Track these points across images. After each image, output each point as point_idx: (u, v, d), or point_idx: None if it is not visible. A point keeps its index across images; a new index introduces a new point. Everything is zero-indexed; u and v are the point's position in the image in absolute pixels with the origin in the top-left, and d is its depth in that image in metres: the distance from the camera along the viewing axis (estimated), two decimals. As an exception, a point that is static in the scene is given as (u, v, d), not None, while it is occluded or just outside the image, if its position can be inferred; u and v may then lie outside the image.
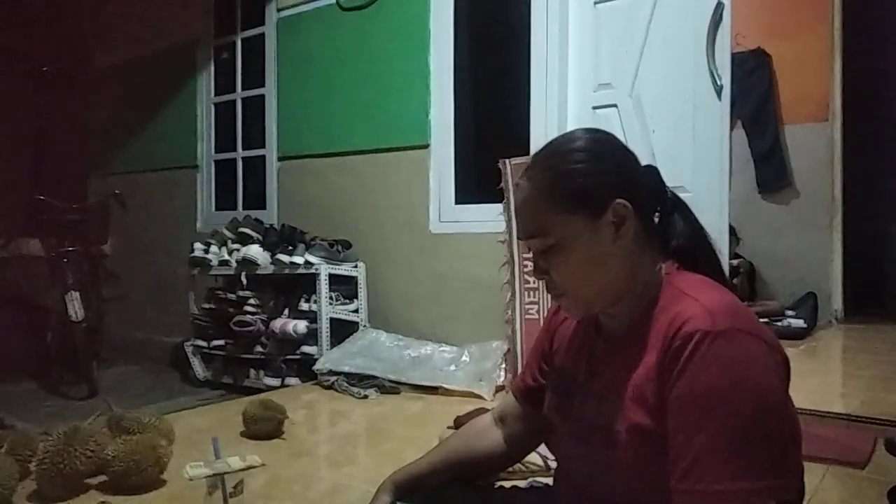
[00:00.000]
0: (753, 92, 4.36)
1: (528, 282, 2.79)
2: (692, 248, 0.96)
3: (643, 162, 0.98)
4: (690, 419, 0.79)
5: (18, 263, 4.65)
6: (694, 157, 2.68)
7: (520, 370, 2.69)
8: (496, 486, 1.26)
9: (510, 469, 1.61)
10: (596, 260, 0.91)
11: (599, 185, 0.91)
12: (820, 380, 2.78)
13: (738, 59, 3.55)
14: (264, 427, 2.21)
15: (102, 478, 1.74)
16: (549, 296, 1.00)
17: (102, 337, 4.08)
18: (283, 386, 3.25)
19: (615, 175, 0.92)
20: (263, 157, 4.13)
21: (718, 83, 2.61)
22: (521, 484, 1.53)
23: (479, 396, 2.71)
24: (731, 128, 3.06)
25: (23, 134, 5.72)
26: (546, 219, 0.91)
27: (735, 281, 3.90)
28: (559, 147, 0.95)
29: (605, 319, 0.98)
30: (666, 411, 0.82)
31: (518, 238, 0.92)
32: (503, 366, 2.85)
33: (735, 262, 4.03)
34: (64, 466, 1.64)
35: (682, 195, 1.00)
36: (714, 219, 2.69)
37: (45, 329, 4.06)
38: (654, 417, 0.84)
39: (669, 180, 1.00)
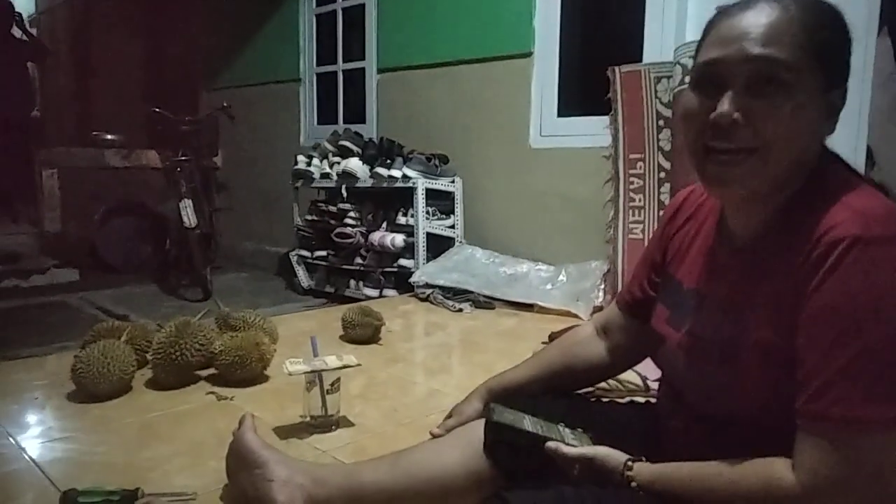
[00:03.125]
0: (906, -7, 3.83)
1: (634, 200, 2.64)
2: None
3: None
4: (829, 334, 0.70)
5: (138, 173, 4.96)
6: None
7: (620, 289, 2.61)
8: (593, 400, 1.21)
9: (607, 387, 1.58)
10: (808, 125, 0.77)
11: (847, 60, 0.79)
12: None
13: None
14: (362, 332, 2.26)
15: (211, 371, 1.84)
16: (699, 171, 0.81)
17: (215, 244, 4.30)
18: (381, 297, 3.32)
19: (849, 59, 0.80)
20: (363, 69, 4.10)
21: (869, -23, 2.28)
22: (619, 401, 1.48)
23: (576, 316, 2.65)
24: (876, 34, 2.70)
25: (139, 51, 5.98)
26: (789, 49, 0.74)
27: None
28: None
29: (735, 222, 0.87)
30: (798, 326, 0.73)
31: (735, 53, 0.76)
32: (602, 286, 2.76)
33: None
34: (176, 357, 1.74)
35: None
36: (850, 139, 2.41)
37: (163, 235, 4.33)
38: (782, 333, 0.75)
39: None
